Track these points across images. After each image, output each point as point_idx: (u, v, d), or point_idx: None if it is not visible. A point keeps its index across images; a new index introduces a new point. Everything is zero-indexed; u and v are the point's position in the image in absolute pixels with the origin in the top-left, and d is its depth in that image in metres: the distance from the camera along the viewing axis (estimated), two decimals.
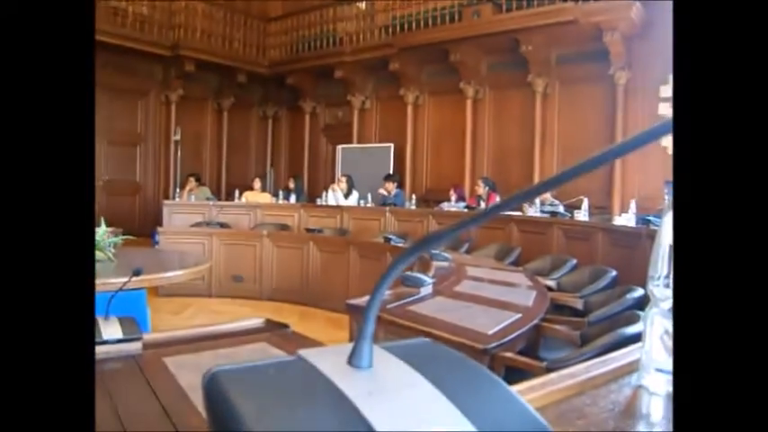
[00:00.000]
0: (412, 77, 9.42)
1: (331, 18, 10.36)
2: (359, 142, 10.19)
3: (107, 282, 3.15)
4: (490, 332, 2.51)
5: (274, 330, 2.15)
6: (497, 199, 7.02)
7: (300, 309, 6.29)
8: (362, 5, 10.27)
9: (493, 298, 3.23)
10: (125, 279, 3.09)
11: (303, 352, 0.40)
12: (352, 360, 0.38)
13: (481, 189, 7.28)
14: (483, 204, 7.14)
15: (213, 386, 0.36)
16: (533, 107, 8.10)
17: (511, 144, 8.48)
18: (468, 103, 8.75)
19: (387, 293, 2.91)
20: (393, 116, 9.84)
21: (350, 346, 0.41)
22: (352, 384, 0.36)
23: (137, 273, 2.08)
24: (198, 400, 1.38)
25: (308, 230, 6.87)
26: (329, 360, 0.39)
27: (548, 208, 6.09)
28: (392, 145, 9.59)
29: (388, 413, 0.33)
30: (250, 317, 2.29)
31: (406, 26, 8.95)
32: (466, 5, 8.20)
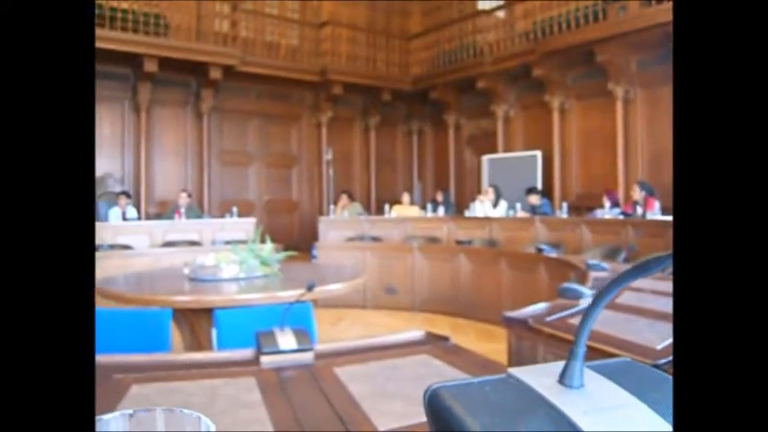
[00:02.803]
0: (556, 82, 9.15)
1: (470, 30, 10.38)
2: (504, 151, 10.06)
3: (276, 295, 3.40)
4: (659, 347, 2.36)
5: (435, 342, 2.18)
6: (656, 204, 6.58)
7: (452, 320, 6.33)
8: (501, 14, 10.19)
9: (658, 310, 3.04)
10: (292, 292, 3.32)
11: (512, 370, 0.43)
12: (564, 379, 0.40)
13: (637, 194, 6.87)
14: (640, 210, 6.73)
15: (436, 402, 0.40)
16: None
17: (667, 145, 7.92)
18: (618, 104, 8.32)
19: (545, 306, 2.85)
20: (538, 123, 9.62)
21: (554, 365, 0.43)
22: (567, 403, 0.38)
23: (310, 287, 2.22)
24: (367, 407, 1.45)
25: (458, 242, 6.90)
26: (540, 379, 0.41)
27: None
28: (539, 152, 9.36)
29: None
30: (407, 329, 2.35)
31: (547, 30, 8.73)
32: (610, 2, 7.81)
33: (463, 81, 10.32)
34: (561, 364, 0.42)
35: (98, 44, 8.13)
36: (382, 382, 1.66)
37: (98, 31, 8.14)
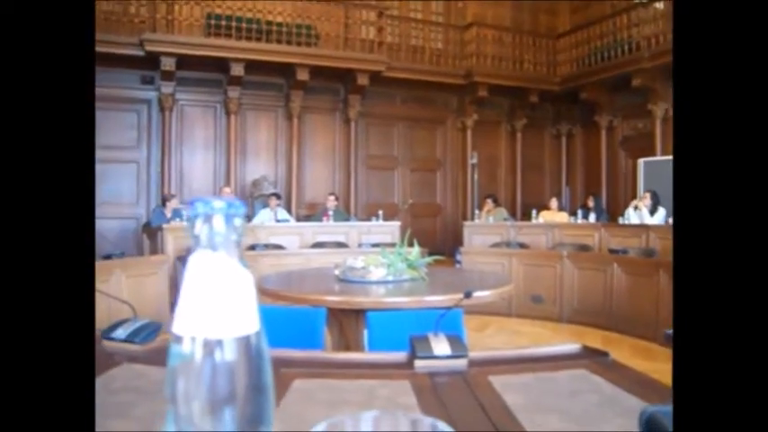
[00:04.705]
0: None
1: (625, 24, 9.83)
2: (663, 154, 9.38)
3: (424, 299, 3.41)
4: None
5: (592, 357, 2.07)
6: None
7: (603, 333, 5.99)
8: (660, 5, 9.52)
9: None
10: (439, 297, 3.31)
11: None
12: None
13: None
14: None
15: (653, 425, 0.37)
16: None
17: None
18: None
19: None
20: None
21: None
22: None
23: (468, 295, 2.19)
24: (524, 419, 1.39)
25: (611, 251, 6.53)
26: None
27: None
28: None
29: None
30: (555, 340, 2.25)
31: None
32: None
33: (617, 79, 9.79)
34: None
35: (256, 56, 8.75)
36: (538, 395, 1.60)
37: (255, 45, 8.77)
